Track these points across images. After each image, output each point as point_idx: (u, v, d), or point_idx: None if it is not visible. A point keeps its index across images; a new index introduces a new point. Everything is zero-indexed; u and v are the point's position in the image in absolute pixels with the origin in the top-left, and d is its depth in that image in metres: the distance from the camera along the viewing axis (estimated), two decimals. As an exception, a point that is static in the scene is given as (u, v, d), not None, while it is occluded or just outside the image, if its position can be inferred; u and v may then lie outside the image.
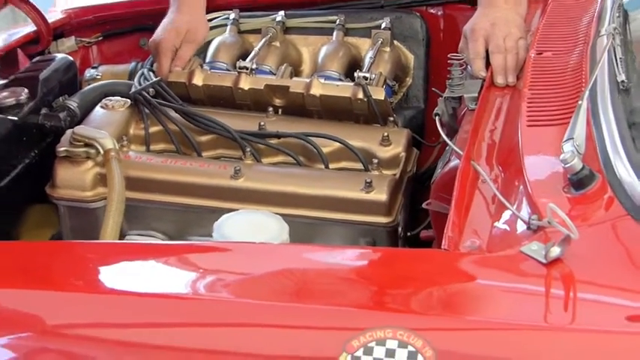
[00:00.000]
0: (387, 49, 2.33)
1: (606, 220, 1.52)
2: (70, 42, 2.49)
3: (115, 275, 1.65)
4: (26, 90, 2.17)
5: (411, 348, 1.35)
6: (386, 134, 2.14)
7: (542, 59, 2.03)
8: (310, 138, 2.14)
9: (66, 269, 1.68)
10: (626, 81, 1.76)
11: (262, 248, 1.74)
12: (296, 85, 2.23)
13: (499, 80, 2.05)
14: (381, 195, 2.02)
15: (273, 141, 2.16)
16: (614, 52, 1.83)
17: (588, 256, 1.46)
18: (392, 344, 1.36)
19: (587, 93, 1.70)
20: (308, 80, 2.24)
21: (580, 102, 1.68)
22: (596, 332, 1.39)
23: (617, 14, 2.00)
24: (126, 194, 2.02)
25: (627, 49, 1.86)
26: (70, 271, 1.67)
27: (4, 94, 2.16)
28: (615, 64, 1.79)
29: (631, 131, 1.64)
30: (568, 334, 1.42)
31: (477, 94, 2.03)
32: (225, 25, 2.40)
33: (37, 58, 2.38)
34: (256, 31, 2.40)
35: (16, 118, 2.12)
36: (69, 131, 2.11)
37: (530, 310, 1.46)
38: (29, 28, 2.45)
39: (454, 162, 1.88)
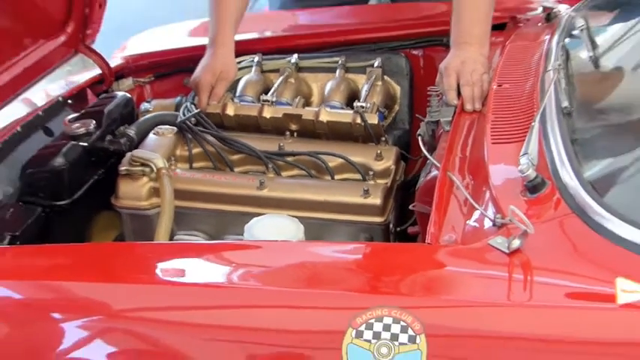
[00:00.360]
0: (379, 83, 2.32)
1: (555, 218, 1.52)
2: (128, 82, 2.50)
3: (166, 269, 1.66)
4: (94, 121, 2.17)
5: (403, 323, 1.35)
6: (379, 151, 2.14)
7: (502, 90, 2.02)
8: (319, 155, 2.13)
9: (127, 265, 1.69)
10: (568, 106, 1.76)
11: (283, 245, 1.74)
12: (307, 113, 2.23)
13: (468, 107, 2.04)
14: (376, 200, 2.01)
15: (290, 158, 2.16)
16: (559, 83, 1.82)
17: (542, 246, 1.46)
18: (388, 320, 1.35)
19: (538, 116, 1.70)
20: (317, 109, 2.24)
21: (533, 124, 1.68)
22: (546, 307, 1.40)
23: (561, 53, 1.99)
24: (174, 203, 2.02)
25: (569, 81, 1.86)
26: (130, 267, 1.68)
27: (77, 124, 2.16)
28: (560, 93, 1.78)
29: (573, 147, 1.64)
30: (526, 309, 1.41)
31: (450, 119, 2.03)
32: (251, 66, 2.40)
33: (102, 96, 2.39)
34: (275, 71, 2.39)
35: (86, 144, 2.13)
36: (128, 154, 2.11)
37: (496, 290, 1.47)
38: (96, 71, 2.45)
39: (434, 172, 1.88)
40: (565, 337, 1.34)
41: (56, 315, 1.52)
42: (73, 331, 1.49)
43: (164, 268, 1.64)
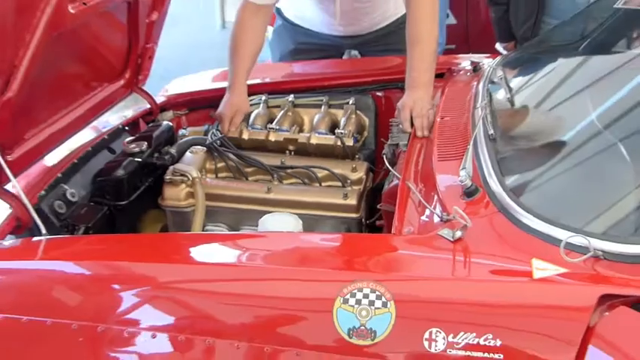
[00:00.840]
0: (353, 116, 2.31)
1: (486, 215, 1.53)
2: (169, 114, 2.49)
3: (199, 253, 1.64)
4: (146, 143, 2.17)
5: (377, 292, 1.35)
6: (354, 165, 2.13)
7: (444, 121, 2.02)
8: (311, 168, 2.13)
9: (170, 249, 1.66)
10: (493, 134, 1.75)
11: (285, 235, 1.73)
12: (302, 137, 2.23)
13: (419, 134, 2.03)
14: (352, 201, 2.01)
15: (289, 170, 2.15)
16: (486, 117, 1.82)
17: (477, 236, 1.47)
18: (366, 291, 1.35)
19: (472, 141, 1.70)
20: (309, 135, 2.24)
21: (468, 147, 1.68)
22: (481, 281, 1.40)
23: (486, 95, 1.99)
24: (205, 203, 2.01)
25: (493, 115, 1.85)
26: (172, 250, 1.66)
27: (133, 145, 2.16)
28: (486, 124, 1.78)
29: (497, 163, 1.63)
30: (466, 282, 1.41)
31: (406, 142, 2.03)
32: (259, 103, 2.38)
33: (151, 124, 2.37)
34: (277, 106, 2.38)
35: (140, 159, 2.12)
36: (171, 167, 2.10)
37: (443, 268, 1.46)
38: (146, 106, 2.45)
39: (395, 182, 1.89)
40: (495, 303, 1.34)
41: (116, 286, 1.52)
42: (128, 298, 1.49)
43: (196, 251, 1.63)
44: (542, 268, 1.34)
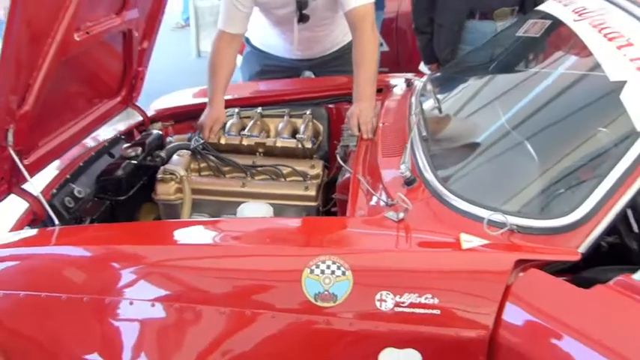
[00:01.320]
0: (310, 124, 2.29)
1: (423, 199, 1.53)
2: (158, 125, 2.43)
3: (187, 236, 1.61)
4: (140, 148, 2.12)
5: (337, 263, 1.34)
6: (312, 163, 2.12)
7: (385, 127, 2.02)
8: (277, 166, 2.10)
9: (163, 234, 1.64)
10: (426, 135, 1.76)
11: (260, 219, 1.71)
12: (269, 142, 2.20)
13: (365, 137, 2.02)
14: (312, 192, 2.00)
15: (260, 168, 2.12)
16: (419, 122, 1.83)
17: (416, 217, 1.47)
18: (329, 262, 1.34)
19: (409, 142, 1.71)
20: (275, 139, 2.21)
21: (407, 146, 1.68)
22: (420, 252, 1.39)
23: (418, 105, 2.00)
24: (191, 197, 1.98)
25: (425, 121, 1.86)
26: (165, 235, 1.63)
27: (129, 150, 2.11)
28: (420, 128, 1.79)
29: (431, 159, 1.63)
30: (408, 253, 1.40)
31: (355, 143, 2.02)
32: (233, 114, 2.34)
33: (143, 133, 2.31)
34: (248, 117, 2.34)
35: (136, 162, 2.08)
36: (162, 167, 2.06)
37: (390, 242, 1.45)
38: (139, 118, 2.40)
39: (347, 175, 1.88)
40: (432, 269, 1.34)
41: (118, 265, 1.47)
42: (129, 275, 1.46)
43: (185, 235, 1.60)
44: (468, 241, 1.35)
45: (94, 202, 1.95)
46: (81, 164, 2.01)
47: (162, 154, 2.16)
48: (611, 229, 1.38)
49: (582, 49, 1.67)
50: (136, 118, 2.39)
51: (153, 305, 1.39)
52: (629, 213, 1.46)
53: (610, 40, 1.56)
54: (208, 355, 1.36)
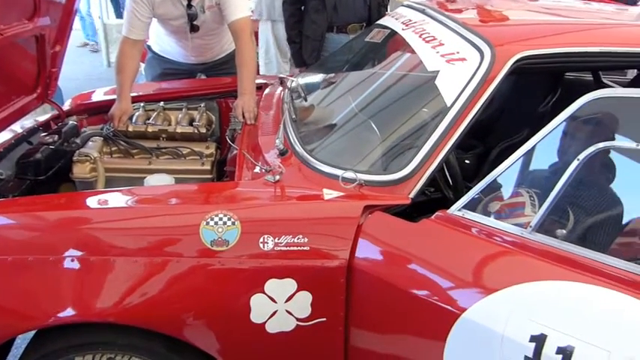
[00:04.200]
0: (204, 114, 2.24)
1: (294, 165, 1.54)
2: (73, 118, 2.26)
3: (97, 201, 1.51)
4: (57, 135, 1.98)
5: (228, 215, 1.34)
6: (207, 145, 2.08)
7: (263, 114, 2.03)
8: (178, 148, 2.04)
9: (80, 201, 1.54)
10: (295, 117, 1.78)
11: (161, 186, 1.66)
12: (171, 128, 2.12)
13: (248, 122, 2.02)
14: (207, 167, 1.97)
15: (164, 150, 2.05)
16: (290, 108, 1.86)
17: (289, 178, 1.48)
18: (221, 215, 1.35)
19: (282, 123, 1.72)
20: (175, 127, 2.13)
21: (280, 126, 1.69)
22: (293, 203, 1.42)
23: (289, 96, 2.02)
24: (104, 174, 1.88)
25: (294, 108, 1.89)
26: (79, 202, 1.53)
27: (47, 137, 1.97)
28: (291, 113, 1.82)
29: (299, 135, 1.66)
30: (282, 205, 1.42)
31: (240, 127, 2.00)
32: (139, 108, 2.23)
33: (60, 124, 2.16)
34: (152, 110, 2.24)
35: (53, 147, 1.93)
36: (77, 151, 1.94)
37: (269, 197, 1.46)
38: (55, 113, 2.24)
39: (235, 152, 1.86)
40: (302, 216, 1.37)
41: (43, 228, 1.39)
42: (53, 236, 1.37)
43: (94, 201, 1.51)
44: (329, 194, 1.39)
45: (14, 181, 1.79)
46: (1, 150, 1.84)
47: (78, 140, 2.02)
48: (434, 183, 1.50)
49: (409, 50, 1.76)
50: (51, 113, 2.22)
51: (73, 260, 1.32)
52: (446, 171, 1.58)
53: (427, 42, 1.66)
54: (126, 298, 1.31)
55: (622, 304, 1.04)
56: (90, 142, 2.02)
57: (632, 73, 2.27)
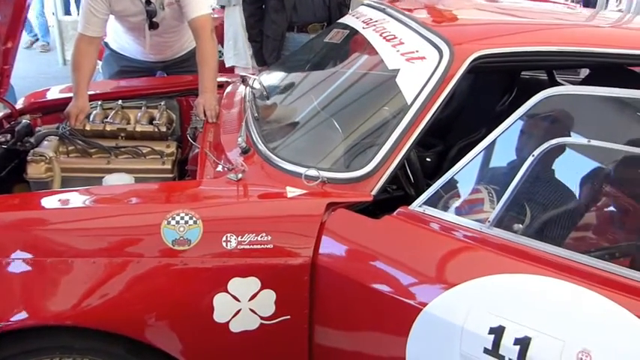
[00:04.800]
0: (164, 113, 2.19)
1: (256, 164, 1.53)
2: (27, 117, 2.17)
3: (52, 202, 1.47)
4: (9, 135, 1.91)
5: (189, 214, 1.31)
6: (168, 144, 2.04)
7: (225, 112, 2.01)
8: (138, 147, 2.00)
9: (36, 202, 1.48)
10: (257, 116, 1.77)
11: (121, 186, 1.62)
12: (130, 127, 2.07)
13: (210, 121, 1.99)
14: (168, 166, 1.93)
15: (123, 149, 1.99)
16: (252, 107, 1.84)
17: (252, 176, 1.47)
18: (182, 214, 1.32)
19: (244, 121, 1.71)
20: (134, 125, 2.08)
21: (242, 124, 1.68)
22: (255, 202, 1.41)
23: (251, 94, 2.00)
24: (61, 174, 1.82)
25: (256, 106, 1.87)
26: (34, 202, 1.48)
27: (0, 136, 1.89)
28: (253, 111, 1.80)
29: (262, 133, 1.65)
30: (245, 203, 1.40)
31: (202, 126, 1.97)
32: (97, 106, 2.16)
33: (13, 123, 2.08)
34: (110, 108, 2.17)
35: (6, 146, 1.87)
36: (32, 150, 1.87)
37: (231, 196, 1.44)
38: (7, 111, 2.15)
39: (196, 151, 1.84)
40: (265, 215, 1.35)
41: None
42: (6, 237, 1.31)
43: (51, 200, 1.46)
44: (292, 191, 1.39)
45: None
46: (-48, 151, 1.77)
47: (32, 139, 1.94)
48: (396, 180, 1.51)
49: (370, 49, 1.77)
50: (4, 111, 2.13)
51: (26, 261, 1.28)
52: (407, 168, 1.60)
53: (388, 40, 1.68)
54: (84, 300, 1.27)
55: (576, 296, 1.07)
56: (45, 142, 1.95)
57: (584, 73, 2.34)
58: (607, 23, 1.88)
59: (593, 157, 1.31)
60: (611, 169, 1.31)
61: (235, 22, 3.18)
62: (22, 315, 1.26)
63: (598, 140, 1.21)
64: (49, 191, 1.70)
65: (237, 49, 3.21)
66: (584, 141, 1.24)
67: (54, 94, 2.36)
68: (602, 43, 1.57)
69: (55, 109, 2.24)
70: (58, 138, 1.98)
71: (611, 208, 1.34)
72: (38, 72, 5.42)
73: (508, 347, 1.08)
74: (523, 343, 1.06)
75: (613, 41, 1.61)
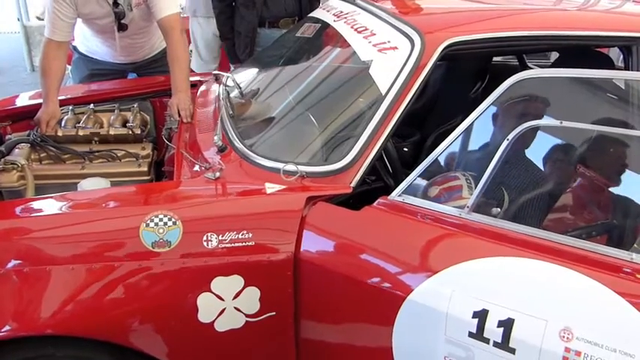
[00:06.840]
0: (138, 115, 2.15)
1: (234, 161, 1.52)
2: None
3: (27, 209, 1.43)
4: None
5: (169, 216, 1.30)
6: (143, 146, 2.00)
7: (200, 111, 1.99)
8: (112, 150, 1.96)
9: (8, 210, 1.44)
10: (232, 113, 1.75)
11: (96, 191, 1.59)
12: (103, 131, 2.03)
13: (185, 120, 1.96)
14: (144, 168, 1.89)
15: (97, 153, 1.95)
16: (227, 104, 1.82)
17: (230, 174, 1.46)
18: (161, 216, 1.31)
19: (219, 119, 1.69)
20: (108, 129, 2.04)
21: (218, 122, 1.66)
22: (234, 199, 1.39)
23: (225, 92, 1.97)
24: (34, 182, 1.78)
25: (231, 103, 1.85)
26: (8, 211, 1.44)
27: (-32, 147, 1.83)
28: (228, 109, 1.78)
29: (238, 130, 1.63)
30: (224, 202, 1.39)
31: (177, 126, 1.94)
32: (68, 111, 2.12)
33: (-18, 132, 2.02)
34: (82, 113, 2.13)
35: None
36: (3, 159, 1.82)
37: (210, 195, 1.44)
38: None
39: (172, 151, 1.81)
40: (245, 212, 1.35)
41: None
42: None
43: (26, 209, 1.43)
44: (271, 187, 1.38)
45: None
46: None
47: (2, 148, 1.89)
48: (375, 171, 1.51)
49: (342, 41, 1.77)
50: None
51: (4, 273, 1.25)
52: (385, 159, 1.60)
53: (359, 32, 1.67)
54: (64, 308, 1.25)
55: (556, 276, 1.09)
56: (16, 150, 1.90)
57: (554, 56, 2.37)
58: (574, 6, 1.90)
59: (566, 139, 1.32)
60: (584, 149, 1.33)
61: (199, 33, 3.09)
62: (2, 326, 1.23)
63: (570, 121, 1.23)
64: (23, 199, 1.66)
65: (204, 59, 3.14)
66: (556, 123, 1.25)
67: (23, 100, 2.30)
68: (570, 26, 1.59)
69: (24, 116, 2.18)
70: (29, 145, 1.93)
71: (586, 188, 1.36)
72: (5, 78, 5.30)
73: (492, 330, 1.09)
74: (506, 325, 1.08)
75: (580, 24, 1.63)
